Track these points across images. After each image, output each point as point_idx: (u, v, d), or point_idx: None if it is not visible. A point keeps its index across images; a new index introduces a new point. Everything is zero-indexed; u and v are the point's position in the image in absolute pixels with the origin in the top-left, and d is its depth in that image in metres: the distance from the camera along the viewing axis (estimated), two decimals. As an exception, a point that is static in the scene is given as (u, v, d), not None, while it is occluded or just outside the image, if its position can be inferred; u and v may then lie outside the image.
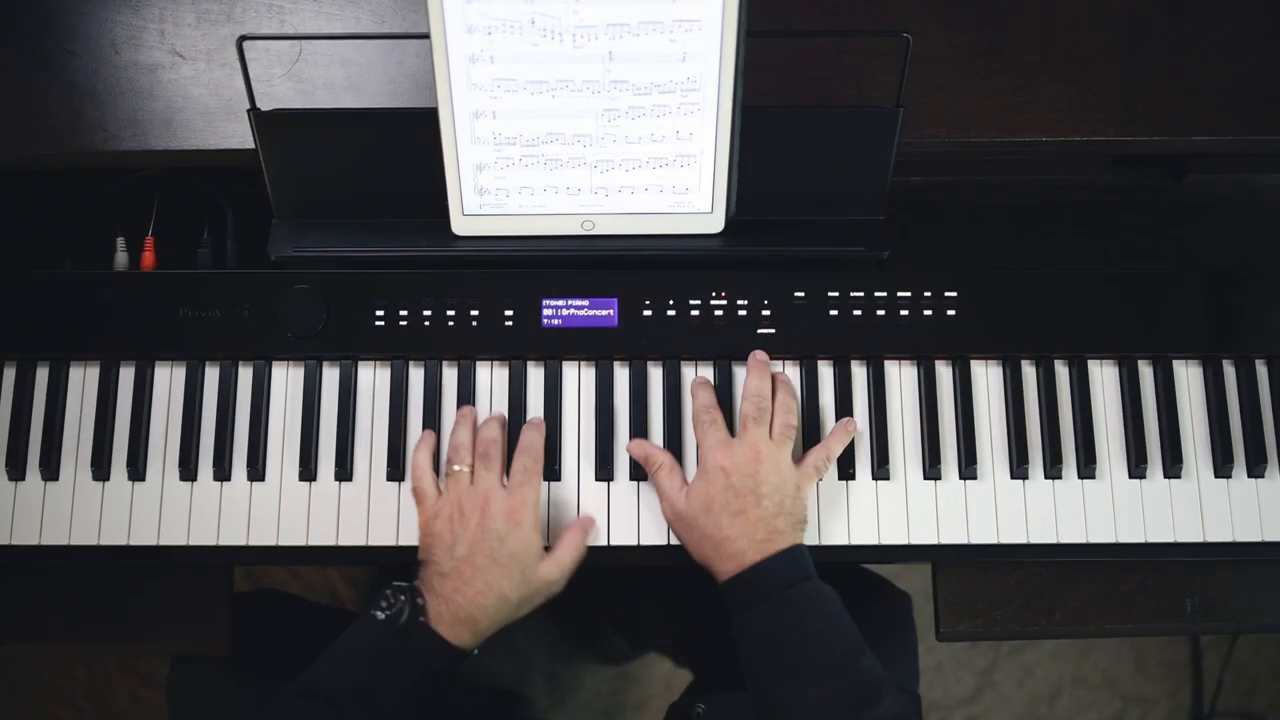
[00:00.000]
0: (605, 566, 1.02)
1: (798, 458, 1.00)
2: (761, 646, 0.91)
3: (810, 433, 1.03)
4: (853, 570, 1.34)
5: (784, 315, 1.04)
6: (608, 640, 1.80)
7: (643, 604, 1.73)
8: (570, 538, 0.98)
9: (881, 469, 1.03)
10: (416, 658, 0.90)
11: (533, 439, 1.00)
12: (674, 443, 1.03)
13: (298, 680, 0.90)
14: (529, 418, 1.03)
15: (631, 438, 1.03)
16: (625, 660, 1.84)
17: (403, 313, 1.04)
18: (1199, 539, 1.02)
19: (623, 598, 1.75)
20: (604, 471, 1.03)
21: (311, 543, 1.01)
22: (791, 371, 1.05)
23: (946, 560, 1.04)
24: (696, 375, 1.04)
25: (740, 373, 1.05)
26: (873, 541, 1.02)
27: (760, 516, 0.93)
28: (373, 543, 1.01)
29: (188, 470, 1.02)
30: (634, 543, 1.01)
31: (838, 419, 1.04)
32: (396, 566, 1.01)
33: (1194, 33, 1.07)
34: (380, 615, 0.91)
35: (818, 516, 1.02)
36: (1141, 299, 1.06)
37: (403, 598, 0.91)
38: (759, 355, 1.02)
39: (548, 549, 0.98)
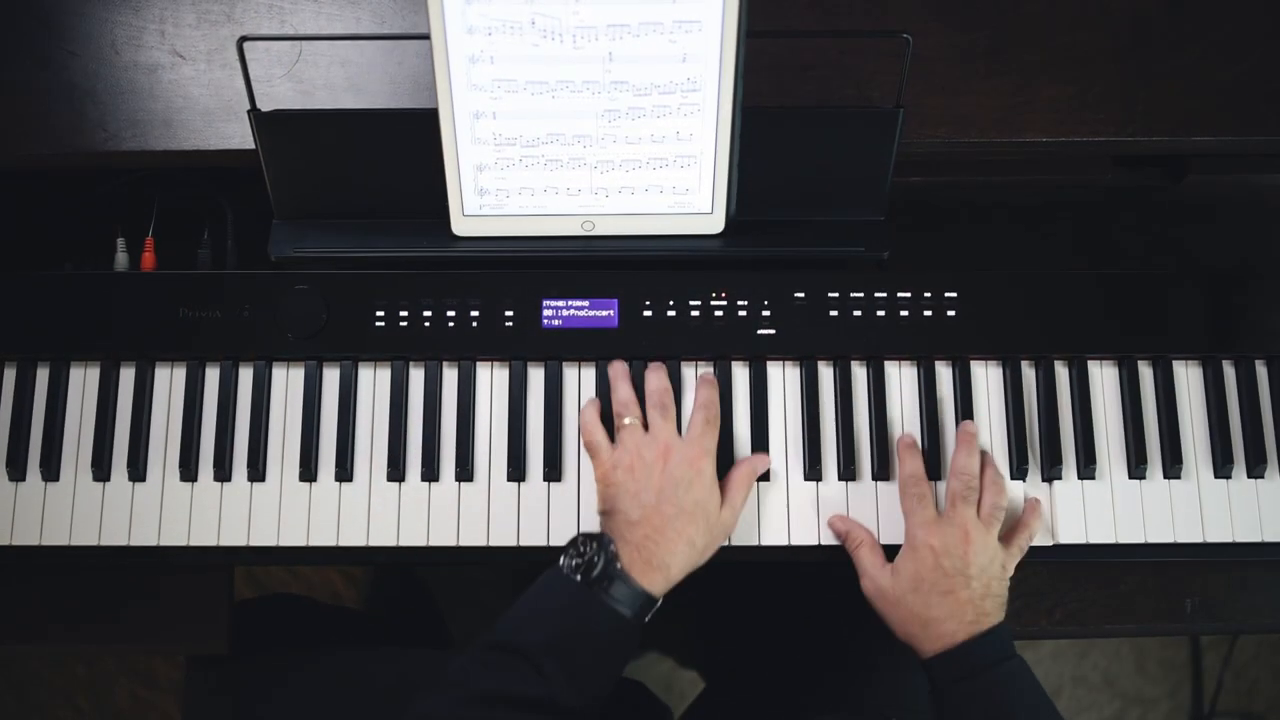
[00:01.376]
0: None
1: (1000, 536, 0.98)
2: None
3: (811, 434, 1.04)
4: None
5: (784, 315, 1.04)
6: None
7: None
8: (740, 479, 0.99)
9: (881, 470, 1.03)
10: (614, 607, 0.89)
11: (711, 395, 1.00)
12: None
13: (486, 635, 0.89)
14: (700, 374, 1.03)
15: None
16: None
17: (403, 313, 1.04)
18: (1199, 539, 1.02)
19: None
20: (604, 472, 1.03)
21: (311, 543, 1.01)
22: (791, 372, 1.05)
23: (946, 560, 1.04)
24: (904, 434, 1.02)
25: (740, 372, 1.05)
26: (873, 542, 1.02)
27: (969, 598, 0.92)
28: (373, 543, 1.01)
29: (188, 471, 1.02)
30: (634, 543, 1.01)
31: (839, 420, 1.04)
32: (395, 567, 1.01)
33: (1194, 33, 1.07)
34: (573, 563, 0.90)
35: (817, 516, 1.02)
36: (1141, 299, 1.06)
37: (594, 545, 0.91)
38: (969, 427, 1.02)
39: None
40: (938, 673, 0.92)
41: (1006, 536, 0.99)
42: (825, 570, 1.03)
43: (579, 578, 0.89)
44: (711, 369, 1.04)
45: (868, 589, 0.97)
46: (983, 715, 0.90)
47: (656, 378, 1.01)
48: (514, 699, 0.84)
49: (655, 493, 0.94)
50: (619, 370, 1.02)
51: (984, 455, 1.02)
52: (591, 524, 1.01)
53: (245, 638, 1.11)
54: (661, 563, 0.91)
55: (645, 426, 0.99)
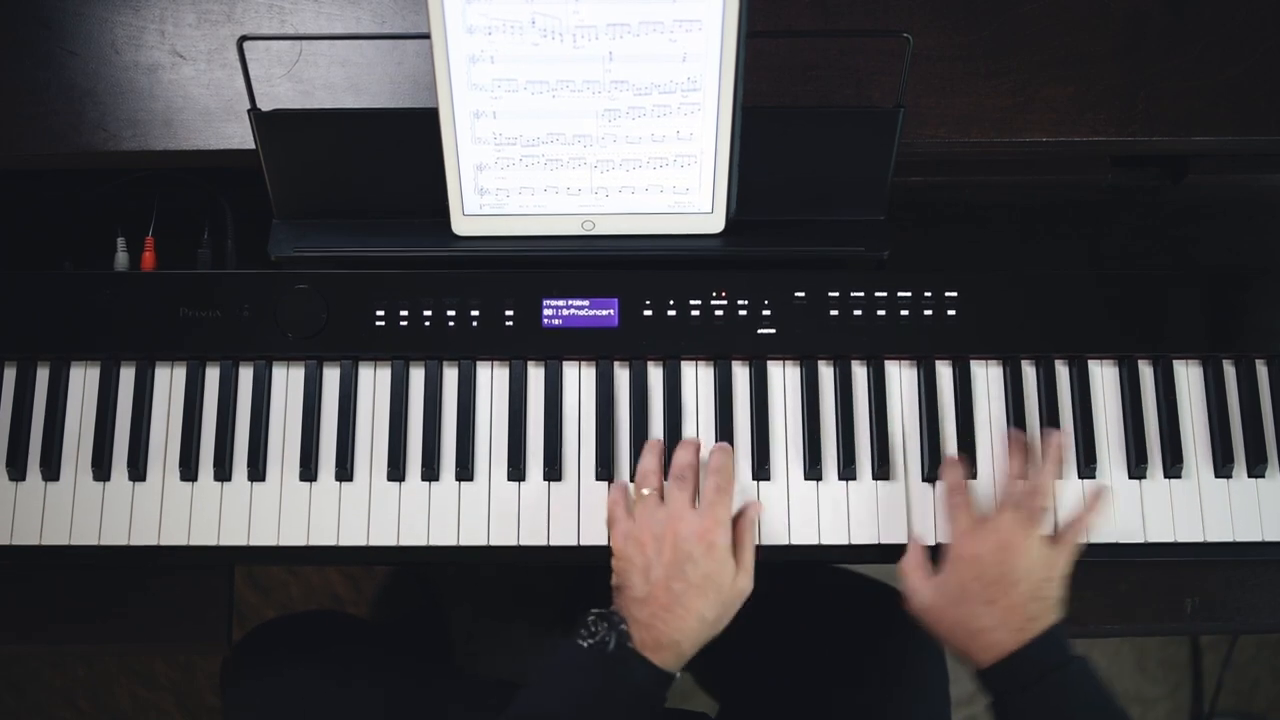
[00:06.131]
0: (597, 566, 1.01)
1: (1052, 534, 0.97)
2: None
3: (811, 433, 1.04)
4: (869, 588, 1.32)
5: (784, 315, 1.04)
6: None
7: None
8: (745, 539, 0.96)
9: (881, 469, 1.03)
10: (628, 686, 0.88)
11: (724, 461, 0.98)
12: (673, 443, 1.03)
13: (506, 712, 0.89)
14: (715, 443, 1.02)
15: (632, 437, 1.03)
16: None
17: (403, 313, 1.04)
18: (1199, 539, 1.02)
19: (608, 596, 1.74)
20: (604, 471, 1.03)
21: (312, 543, 1.01)
22: (792, 372, 1.05)
23: (947, 560, 1.04)
24: (951, 456, 1.02)
25: (740, 371, 1.05)
26: (872, 541, 1.02)
27: (1013, 604, 0.91)
28: (373, 543, 1.01)
29: (188, 470, 1.02)
30: (634, 543, 1.01)
31: (839, 420, 1.04)
32: (411, 571, 1.00)
33: (1194, 33, 1.07)
34: (585, 644, 0.90)
35: (817, 516, 1.02)
36: (1141, 299, 1.06)
37: (605, 625, 0.90)
38: (1016, 434, 1.02)
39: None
40: (994, 684, 0.91)
41: (1058, 534, 0.97)
42: (838, 587, 1.02)
43: (594, 656, 0.89)
44: (704, 439, 1.02)
45: (913, 607, 0.96)
46: None
47: (684, 452, 0.98)
48: None
49: (664, 568, 0.91)
50: (651, 443, 1.00)
51: (1045, 449, 1.00)
52: (589, 526, 1.02)
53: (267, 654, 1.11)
54: (671, 640, 0.90)
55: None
